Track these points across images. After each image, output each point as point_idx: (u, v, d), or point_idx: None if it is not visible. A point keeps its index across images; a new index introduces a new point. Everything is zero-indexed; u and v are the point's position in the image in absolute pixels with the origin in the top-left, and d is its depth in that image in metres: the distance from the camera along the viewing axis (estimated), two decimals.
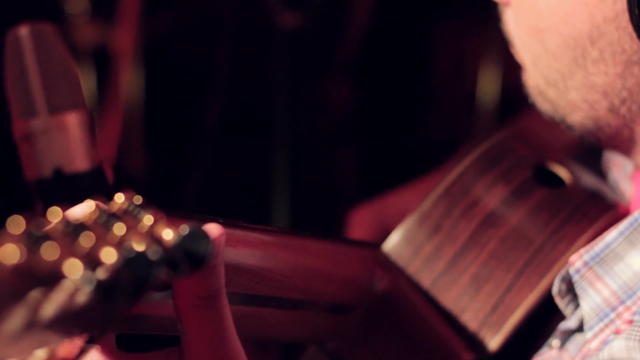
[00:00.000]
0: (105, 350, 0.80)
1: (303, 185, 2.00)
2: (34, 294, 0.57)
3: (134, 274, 0.60)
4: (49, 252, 0.58)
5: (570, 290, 0.93)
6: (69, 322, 0.59)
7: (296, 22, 1.81)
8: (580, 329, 0.94)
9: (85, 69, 2.13)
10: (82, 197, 0.74)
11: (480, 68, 2.24)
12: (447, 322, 0.97)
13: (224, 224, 0.77)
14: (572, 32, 0.91)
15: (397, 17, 2.34)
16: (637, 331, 0.85)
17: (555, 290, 0.94)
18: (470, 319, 0.97)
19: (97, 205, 0.66)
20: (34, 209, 0.94)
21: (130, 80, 2.17)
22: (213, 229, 0.74)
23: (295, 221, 1.86)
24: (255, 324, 0.89)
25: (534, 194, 1.01)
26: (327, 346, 1.00)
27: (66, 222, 0.61)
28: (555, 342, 0.96)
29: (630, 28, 0.88)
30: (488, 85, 2.24)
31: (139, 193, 0.69)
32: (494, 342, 0.96)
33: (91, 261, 0.60)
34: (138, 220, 0.66)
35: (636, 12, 0.86)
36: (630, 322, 0.88)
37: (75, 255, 0.59)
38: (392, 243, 1.02)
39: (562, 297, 0.94)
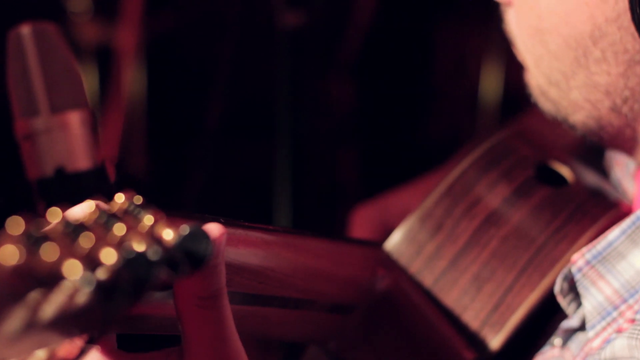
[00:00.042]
0: (106, 350, 0.80)
1: (304, 184, 2.00)
2: (34, 295, 0.57)
3: (134, 275, 0.60)
4: (49, 252, 0.58)
5: (572, 289, 0.93)
6: (69, 322, 0.59)
7: (298, 21, 1.81)
8: (582, 327, 0.94)
9: (87, 68, 2.13)
10: (84, 197, 0.74)
11: (482, 67, 2.24)
12: (449, 321, 0.97)
13: (225, 224, 0.77)
14: (573, 33, 0.91)
15: (398, 16, 2.34)
16: None
17: (557, 289, 0.93)
18: (471, 318, 0.97)
19: (97, 206, 0.66)
20: (35, 209, 0.94)
21: (132, 80, 2.17)
22: (213, 228, 0.74)
23: (296, 220, 1.86)
24: (256, 323, 0.89)
25: (535, 193, 1.01)
26: (328, 346, 1.00)
27: (66, 222, 0.61)
28: (557, 340, 0.96)
29: (632, 28, 0.88)
30: (489, 85, 2.24)
31: (139, 193, 0.68)
32: (495, 341, 0.96)
33: (91, 262, 0.60)
34: (138, 220, 0.66)
35: (638, 11, 0.86)
36: (633, 320, 0.88)
37: (75, 255, 0.59)
38: (394, 242, 1.02)
39: (564, 296, 0.94)
